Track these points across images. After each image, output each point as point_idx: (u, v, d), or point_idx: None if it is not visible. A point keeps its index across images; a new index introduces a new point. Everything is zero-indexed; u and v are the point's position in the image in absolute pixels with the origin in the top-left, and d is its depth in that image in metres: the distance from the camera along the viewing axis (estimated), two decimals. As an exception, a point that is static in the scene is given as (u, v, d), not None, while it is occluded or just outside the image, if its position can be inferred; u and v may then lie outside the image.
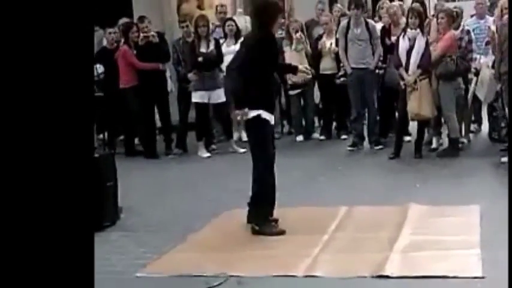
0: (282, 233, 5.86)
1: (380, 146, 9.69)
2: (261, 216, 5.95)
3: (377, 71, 9.89)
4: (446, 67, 8.73)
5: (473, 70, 9.19)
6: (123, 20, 10.74)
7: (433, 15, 10.29)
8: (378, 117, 10.00)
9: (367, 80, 9.74)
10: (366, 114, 10.00)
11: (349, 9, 10.10)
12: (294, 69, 6.92)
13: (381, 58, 9.90)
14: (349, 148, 9.80)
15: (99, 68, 10.28)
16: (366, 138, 9.91)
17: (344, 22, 10.04)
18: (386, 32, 9.92)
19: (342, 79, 10.23)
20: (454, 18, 9.03)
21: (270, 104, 6.02)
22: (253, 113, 5.84)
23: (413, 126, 9.40)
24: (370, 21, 10.02)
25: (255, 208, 5.98)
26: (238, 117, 6.02)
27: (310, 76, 7.38)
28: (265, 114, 5.88)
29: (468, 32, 9.34)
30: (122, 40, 10.32)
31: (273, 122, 6.05)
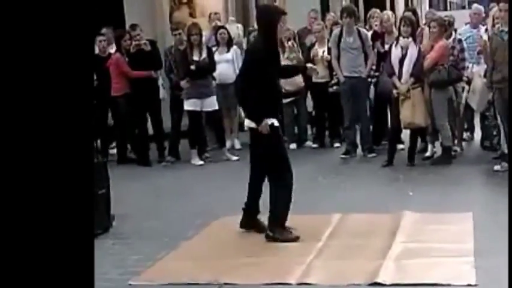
0: (296, 239, 5.84)
1: (373, 154, 9.70)
2: (279, 222, 5.93)
3: (369, 79, 9.92)
4: (439, 75, 8.76)
5: (465, 79, 9.23)
6: (105, 29, 10.70)
7: (425, 24, 10.34)
8: (371, 125, 10.02)
9: (359, 88, 9.76)
10: (359, 122, 10.01)
11: (341, 18, 10.12)
12: (302, 70, 6.93)
13: (374, 66, 9.93)
14: (342, 156, 9.81)
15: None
16: (359, 146, 9.92)
17: (336, 31, 10.06)
18: (378, 36, 9.95)
19: (334, 87, 10.25)
20: (445, 27, 9.07)
21: (277, 110, 6.07)
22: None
23: (406, 134, 9.41)
24: (362, 29, 10.05)
25: (273, 214, 5.94)
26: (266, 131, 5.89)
27: (318, 73, 7.28)
28: (276, 122, 5.92)
29: (460, 40, 9.38)
30: (110, 47, 10.32)
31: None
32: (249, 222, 6.15)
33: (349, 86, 9.76)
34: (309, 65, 6.64)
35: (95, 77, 10.17)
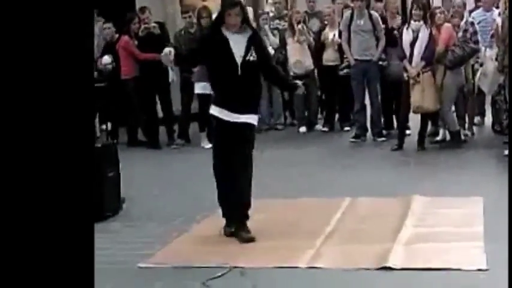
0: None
1: (383, 138, 9.68)
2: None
3: (380, 62, 9.86)
4: (454, 54, 8.69)
5: (479, 61, 9.17)
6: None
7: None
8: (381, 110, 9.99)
9: (370, 71, 9.72)
10: (369, 106, 9.97)
11: (352, 0, 10.05)
12: (292, 86, 6.51)
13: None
14: (351, 140, 9.79)
15: (108, 59, 10.24)
16: (369, 130, 9.89)
17: (347, 13, 10.01)
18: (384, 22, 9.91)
19: (345, 70, 10.20)
20: (450, 16, 9.04)
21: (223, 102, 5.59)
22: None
23: (412, 118, 9.35)
24: (373, 12, 9.99)
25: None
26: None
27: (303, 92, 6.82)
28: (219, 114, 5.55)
29: (472, 23, 9.30)
30: (116, 36, 10.34)
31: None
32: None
33: (359, 69, 9.72)
34: (299, 84, 6.12)
35: (111, 60, 10.19)
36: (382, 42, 9.75)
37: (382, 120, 10.05)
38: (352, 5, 10.16)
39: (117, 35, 10.37)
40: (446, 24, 8.85)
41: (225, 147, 5.54)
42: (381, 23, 9.82)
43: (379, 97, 9.98)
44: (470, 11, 10.08)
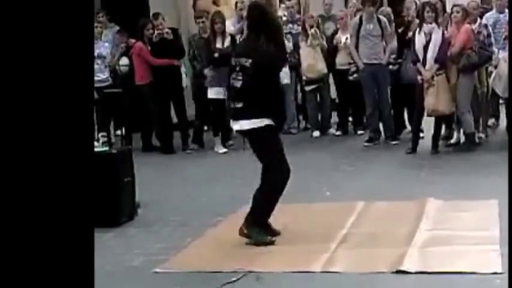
0: (271, 243, 5.54)
1: (396, 141, 9.67)
2: (258, 221, 5.64)
3: (390, 66, 9.85)
4: (469, 59, 8.67)
5: (493, 63, 9.15)
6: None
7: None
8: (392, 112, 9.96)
9: (380, 75, 9.71)
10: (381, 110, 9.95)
11: (363, 6, 10.03)
12: None
13: (394, 54, 9.83)
14: (365, 144, 9.78)
15: (126, 60, 10.30)
16: (382, 133, 9.89)
17: (356, 18, 10.02)
18: (401, 25, 9.88)
19: (354, 75, 10.20)
20: (468, 13, 8.98)
21: (274, 110, 5.63)
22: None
23: (426, 121, 9.33)
24: (381, 17, 9.98)
25: (252, 212, 5.65)
26: None
27: None
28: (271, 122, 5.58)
29: (486, 26, 9.28)
30: (130, 41, 10.39)
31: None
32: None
33: (369, 73, 9.72)
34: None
35: (127, 62, 10.24)
36: (391, 46, 9.74)
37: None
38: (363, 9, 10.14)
39: (133, 40, 10.41)
40: (466, 26, 8.82)
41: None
42: (389, 27, 9.81)
43: (390, 100, 9.96)
44: (483, 13, 10.04)
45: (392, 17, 10.25)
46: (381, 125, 9.97)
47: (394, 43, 9.81)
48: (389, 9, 10.54)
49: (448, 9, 10.52)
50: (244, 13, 10.94)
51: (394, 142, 9.66)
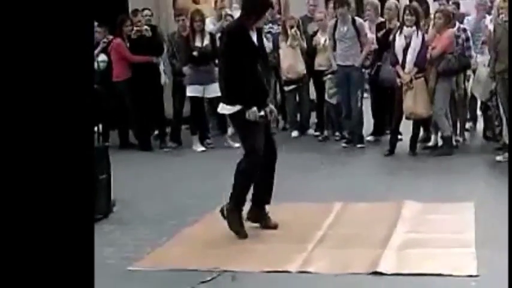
0: (244, 237, 5.67)
1: (362, 144, 9.65)
2: (236, 206, 5.79)
3: (363, 70, 9.85)
4: (449, 63, 8.73)
5: (472, 67, 9.21)
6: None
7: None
8: (363, 116, 9.92)
9: (353, 77, 9.70)
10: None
11: (334, 8, 10.03)
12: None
13: (369, 56, 9.83)
14: (343, 145, 9.78)
15: (105, 57, 10.20)
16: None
17: (332, 21, 9.99)
18: (383, 27, 9.86)
19: (329, 76, 10.19)
20: (450, 18, 9.03)
21: (258, 99, 5.76)
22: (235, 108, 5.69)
23: (404, 124, 9.36)
24: (357, 18, 9.97)
25: (231, 197, 5.82)
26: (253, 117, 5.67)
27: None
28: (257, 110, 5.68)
29: (464, 30, 9.33)
30: (108, 37, 10.31)
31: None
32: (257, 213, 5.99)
33: (343, 75, 9.72)
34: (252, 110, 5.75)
35: (105, 58, 10.15)
36: (366, 48, 9.73)
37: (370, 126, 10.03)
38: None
39: (111, 37, 10.33)
40: (450, 30, 8.87)
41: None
42: (365, 28, 9.80)
43: (359, 103, 9.91)
44: (462, 18, 10.09)
45: (379, 8, 10.24)
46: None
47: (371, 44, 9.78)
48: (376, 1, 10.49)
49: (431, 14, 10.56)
50: (224, 12, 10.95)
51: (360, 145, 9.64)
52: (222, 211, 5.79)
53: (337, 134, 10.34)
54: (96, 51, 10.23)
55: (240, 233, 5.68)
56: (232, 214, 5.73)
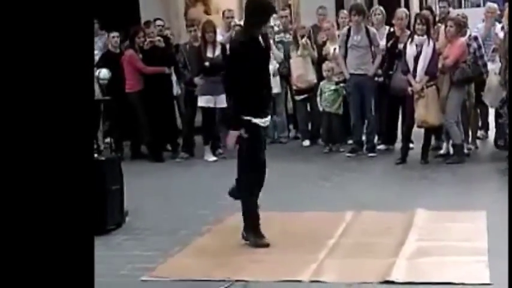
0: (266, 246, 5.69)
1: (374, 154, 9.64)
2: (250, 224, 5.83)
3: (376, 78, 9.84)
4: (464, 72, 8.73)
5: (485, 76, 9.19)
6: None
7: (439, 21, 10.30)
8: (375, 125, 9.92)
9: (365, 86, 9.70)
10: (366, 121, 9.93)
11: (349, 15, 10.05)
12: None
13: (381, 65, 9.83)
14: (348, 154, 9.75)
15: (106, 74, 10.19)
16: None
17: (344, 29, 10.01)
18: (393, 36, 9.87)
19: (341, 84, 10.19)
20: (461, 26, 9.03)
21: (262, 109, 5.75)
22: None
23: (415, 132, 9.35)
24: (371, 28, 9.99)
25: (243, 216, 5.86)
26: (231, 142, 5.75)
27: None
28: (258, 121, 5.68)
29: (476, 38, 9.32)
30: (124, 44, 10.36)
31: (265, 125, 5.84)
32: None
33: (355, 84, 9.72)
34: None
35: (110, 74, 10.17)
36: (378, 58, 9.73)
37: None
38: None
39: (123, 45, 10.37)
40: (461, 39, 8.87)
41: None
42: (378, 38, 9.81)
43: (373, 112, 9.91)
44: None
45: (385, 14, 10.25)
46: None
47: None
48: (381, 8, 10.50)
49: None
50: (232, 22, 11.01)
51: (371, 154, 9.63)
52: (243, 236, 5.81)
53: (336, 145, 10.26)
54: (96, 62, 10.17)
55: (265, 244, 5.69)
56: (251, 234, 5.74)
